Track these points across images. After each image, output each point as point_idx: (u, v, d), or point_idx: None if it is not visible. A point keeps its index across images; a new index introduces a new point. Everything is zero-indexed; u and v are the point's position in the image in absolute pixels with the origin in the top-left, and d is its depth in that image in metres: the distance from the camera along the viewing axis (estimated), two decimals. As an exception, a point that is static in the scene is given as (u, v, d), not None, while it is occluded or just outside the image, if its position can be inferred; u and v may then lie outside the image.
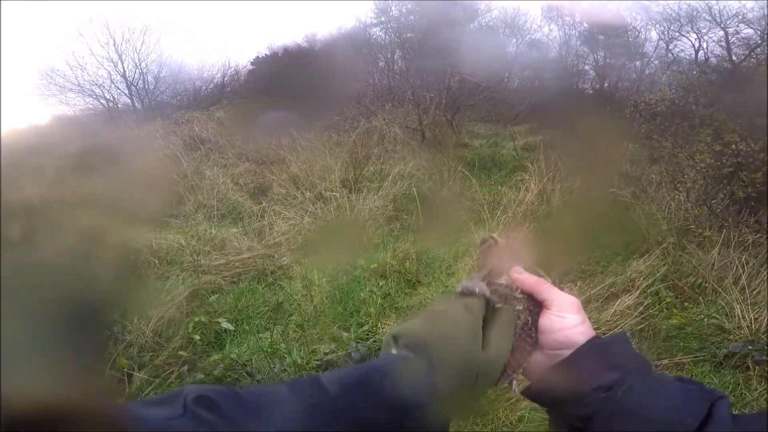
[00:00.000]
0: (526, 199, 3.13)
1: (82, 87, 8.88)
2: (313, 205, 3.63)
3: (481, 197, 3.44)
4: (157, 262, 2.79)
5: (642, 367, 0.45)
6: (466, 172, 3.83)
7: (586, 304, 2.17)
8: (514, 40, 8.57)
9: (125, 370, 1.89)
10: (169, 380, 1.88)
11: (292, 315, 2.41)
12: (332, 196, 3.67)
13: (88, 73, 8.92)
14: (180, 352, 1.99)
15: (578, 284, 2.36)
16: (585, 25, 9.01)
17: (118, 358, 1.91)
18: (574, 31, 9.20)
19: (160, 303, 2.18)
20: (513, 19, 8.68)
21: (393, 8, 8.39)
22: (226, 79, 10.13)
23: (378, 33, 8.56)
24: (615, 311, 2.12)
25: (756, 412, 0.47)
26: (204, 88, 9.87)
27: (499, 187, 3.94)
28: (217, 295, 2.61)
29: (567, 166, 3.52)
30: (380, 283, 2.66)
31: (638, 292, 2.31)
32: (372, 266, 2.78)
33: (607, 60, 9.37)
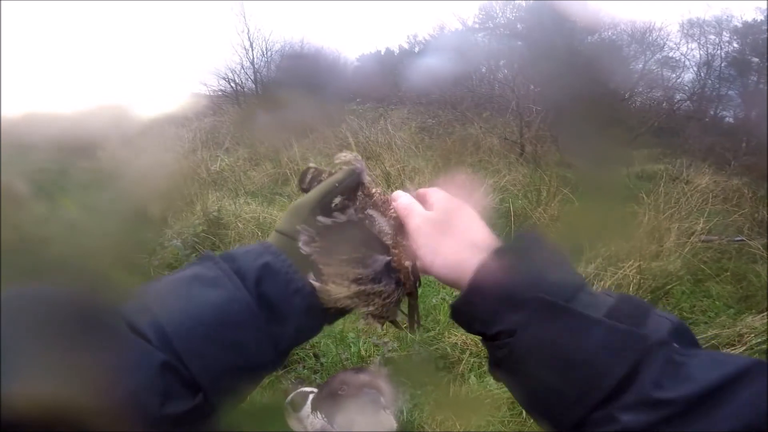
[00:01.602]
0: (635, 235, 2.82)
1: (217, 70, 10.03)
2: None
3: (581, 225, 3.18)
4: (260, 233, 3.07)
5: (553, 301, 0.33)
6: (569, 194, 3.56)
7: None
8: (642, 57, 7.67)
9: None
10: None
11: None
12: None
13: (224, 58, 10.05)
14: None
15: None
16: (735, 45, 7.77)
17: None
18: (719, 51, 7.97)
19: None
20: (642, 34, 7.76)
21: (499, 14, 8.07)
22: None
23: (482, 39, 8.29)
24: (712, 363, 1.88)
25: (710, 353, 0.33)
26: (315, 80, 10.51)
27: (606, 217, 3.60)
28: (303, 276, 2.79)
29: (688, 204, 3.10)
30: (454, 293, 2.60)
31: (744, 347, 2.01)
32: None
33: (760, 85, 8.00)
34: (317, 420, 1.26)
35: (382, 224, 0.43)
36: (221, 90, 9.66)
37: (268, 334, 0.35)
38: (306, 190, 0.46)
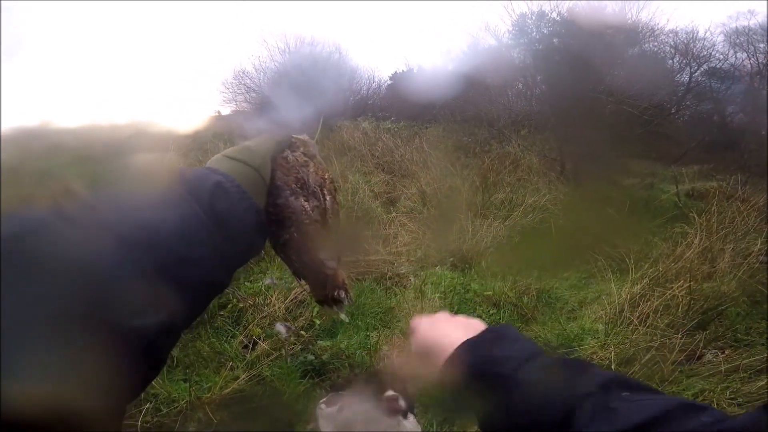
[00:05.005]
0: (685, 256, 2.66)
1: (261, 88, 10.33)
2: (436, 222, 3.69)
3: (627, 245, 3.06)
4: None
5: (498, 371, 0.46)
6: (613, 213, 3.43)
7: (731, 373, 1.86)
8: (688, 69, 7.28)
9: (253, 337, 2.18)
10: (284, 356, 2.10)
11: (399, 321, 2.49)
12: (456, 217, 3.68)
13: (267, 77, 10.33)
14: (301, 332, 2.23)
15: (726, 352, 2.03)
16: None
17: (254, 326, 2.22)
18: (772, 60, 7.39)
19: (300, 284, 2.46)
20: (686, 45, 7.36)
21: (534, 29, 7.88)
22: (369, 91, 10.89)
23: (517, 55, 8.11)
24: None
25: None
26: (351, 98, 10.69)
27: (652, 236, 3.44)
28: (342, 289, 2.83)
29: (744, 224, 2.91)
30: (491, 311, 2.57)
31: (803, 370, 1.86)
32: (486, 293, 2.70)
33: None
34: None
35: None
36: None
37: (222, 252, 0.36)
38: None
